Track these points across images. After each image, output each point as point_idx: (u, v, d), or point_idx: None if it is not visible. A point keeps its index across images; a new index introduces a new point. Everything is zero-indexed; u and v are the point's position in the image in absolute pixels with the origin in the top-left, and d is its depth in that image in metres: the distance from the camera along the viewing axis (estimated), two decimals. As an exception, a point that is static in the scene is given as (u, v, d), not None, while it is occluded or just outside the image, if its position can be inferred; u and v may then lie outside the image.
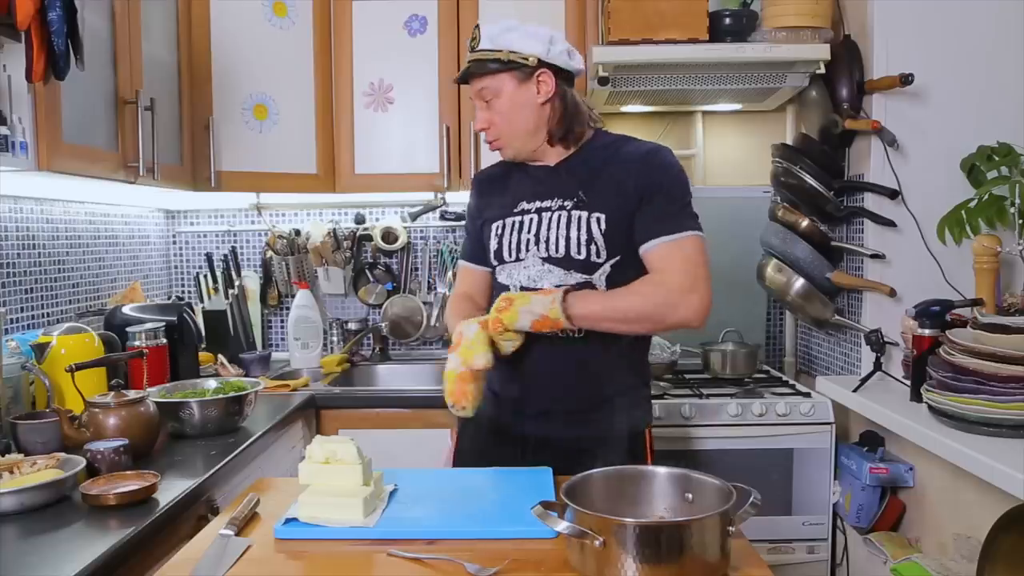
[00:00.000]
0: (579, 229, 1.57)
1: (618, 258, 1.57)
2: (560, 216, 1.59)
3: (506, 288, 1.64)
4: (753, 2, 2.51)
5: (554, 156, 1.65)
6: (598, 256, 1.57)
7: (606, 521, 1.02)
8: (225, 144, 2.45)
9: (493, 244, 1.67)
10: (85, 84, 1.75)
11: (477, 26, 1.64)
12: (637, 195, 1.56)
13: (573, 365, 1.58)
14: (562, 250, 1.58)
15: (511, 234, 1.64)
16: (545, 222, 1.60)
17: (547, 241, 1.59)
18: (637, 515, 1.17)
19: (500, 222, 1.67)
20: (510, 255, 1.64)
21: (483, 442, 1.67)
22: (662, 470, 1.22)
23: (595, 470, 1.21)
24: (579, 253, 1.57)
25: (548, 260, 1.59)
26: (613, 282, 1.57)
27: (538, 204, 1.63)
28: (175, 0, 2.30)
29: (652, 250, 1.54)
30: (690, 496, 1.16)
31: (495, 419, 1.65)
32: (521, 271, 1.62)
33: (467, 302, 1.72)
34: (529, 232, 1.61)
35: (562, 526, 1.05)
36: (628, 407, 1.63)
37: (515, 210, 1.65)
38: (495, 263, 1.67)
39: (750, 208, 2.82)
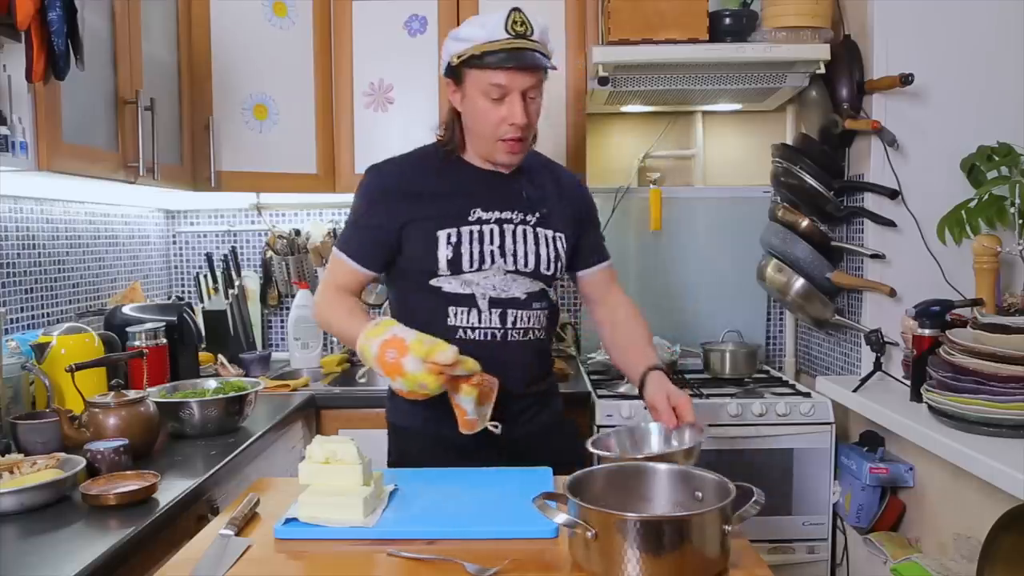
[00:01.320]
0: (548, 247, 1.65)
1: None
2: (525, 231, 1.64)
3: (461, 296, 1.60)
4: (753, 2, 2.51)
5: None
6: (559, 273, 1.69)
7: (608, 516, 1.03)
8: (225, 144, 2.45)
9: (445, 253, 1.59)
10: (85, 84, 1.75)
11: (518, 9, 1.54)
12: (577, 224, 1.73)
13: (501, 365, 1.55)
14: (531, 265, 1.63)
15: (470, 244, 1.60)
16: (509, 235, 1.62)
17: (514, 255, 1.62)
18: (645, 511, 1.18)
19: (451, 230, 1.59)
20: (471, 265, 1.60)
21: (419, 449, 1.66)
22: (663, 468, 1.23)
23: (597, 467, 1.22)
24: (548, 270, 1.65)
25: (513, 272, 1.62)
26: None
27: (497, 215, 1.62)
28: (175, 0, 2.30)
29: (595, 275, 1.79)
30: (700, 494, 1.16)
31: (429, 425, 1.64)
32: (482, 281, 1.61)
33: (348, 297, 1.65)
34: (492, 244, 1.61)
35: (560, 518, 1.06)
36: (554, 393, 1.77)
37: (470, 218, 1.61)
38: (445, 273, 1.59)
39: (750, 208, 2.82)
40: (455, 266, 1.59)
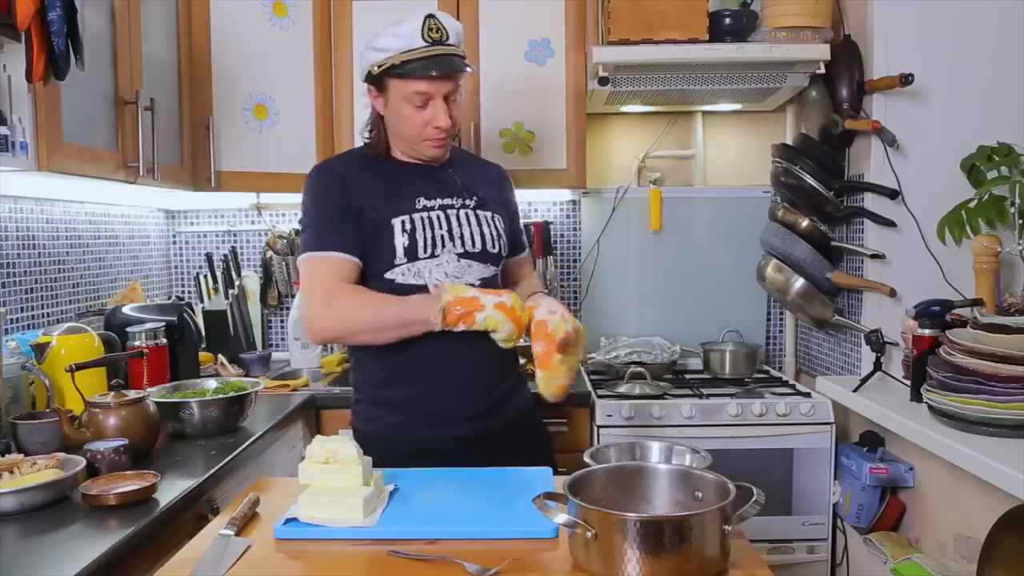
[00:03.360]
0: (489, 226, 1.71)
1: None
2: (468, 214, 1.69)
3: (414, 289, 1.61)
4: (753, 2, 2.51)
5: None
6: (503, 251, 1.73)
7: (608, 516, 1.03)
8: (225, 144, 2.45)
9: (402, 240, 1.61)
10: (85, 84, 1.75)
11: (433, 16, 1.60)
12: (508, 212, 1.80)
13: (460, 357, 1.63)
14: (479, 245, 1.67)
15: (424, 230, 1.63)
16: (454, 219, 1.67)
17: (461, 237, 1.66)
18: (645, 511, 1.18)
19: (405, 217, 1.63)
20: (425, 251, 1.62)
21: (389, 457, 1.48)
22: (663, 468, 1.23)
23: (597, 467, 1.22)
24: (494, 248, 1.70)
25: (464, 255, 1.65)
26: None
27: (439, 202, 1.67)
28: (175, 0, 2.30)
29: (518, 261, 1.86)
30: (700, 494, 1.16)
31: (396, 432, 1.65)
32: (436, 269, 1.63)
33: (358, 287, 1.60)
34: (441, 228, 1.64)
35: (560, 518, 1.06)
36: (522, 387, 1.78)
37: (417, 206, 1.65)
38: (402, 262, 1.61)
39: (750, 208, 2.82)
40: (411, 253, 1.62)
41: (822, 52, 2.30)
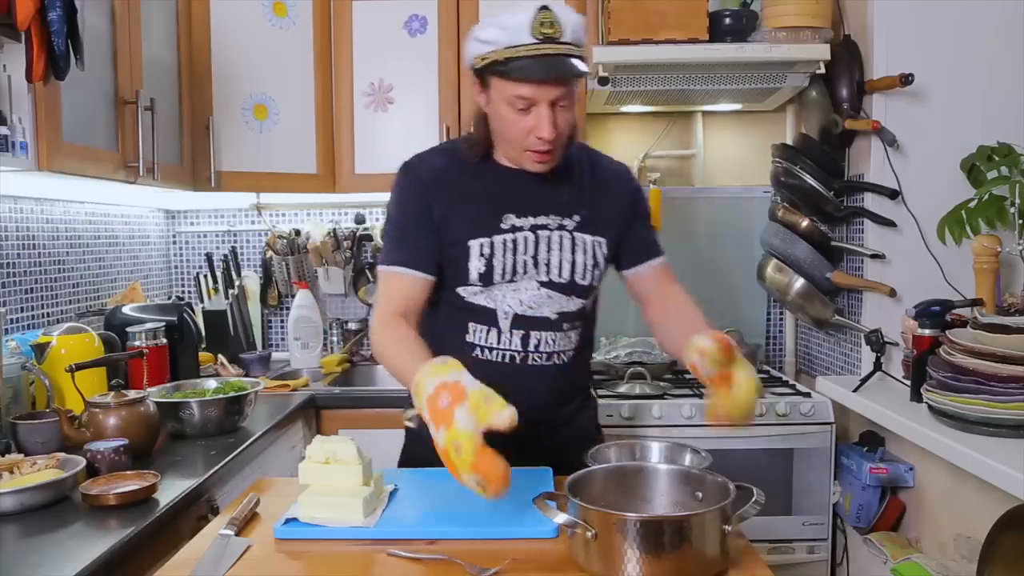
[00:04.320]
0: (585, 254, 1.50)
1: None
2: (562, 237, 1.49)
3: (483, 311, 1.47)
4: (753, 2, 2.51)
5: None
6: (596, 281, 1.54)
7: (608, 516, 1.03)
8: (225, 144, 2.45)
9: (477, 265, 1.46)
10: (85, 84, 1.75)
11: (547, 7, 1.35)
12: (628, 221, 1.56)
13: (518, 390, 1.34)
14: (566, 275, 1.49)
15: (504, 255, 1.47)
16: (544, 243, 1.48)
17: (548, 264, 1.48)
18: (645, 511, 1.18)
19: (485, 240, 1.47)
20: (503, 277, 1.47)
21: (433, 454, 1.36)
22: (663, 468, 1.23)
23: (597, 467, 1.22)
24: (584, 279, 1.51)
25: (547, 285, 1.48)
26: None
27: (532, 220, 1.48)
28: (175, 0, 2.30)
29: (645, 273, 1.59)
30: (700, 495, 1.17)
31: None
32: (512, 295, 1.48)
33: (403, 325, 1.42)
34: (526, 253, 1.47)
35: (560, 518, 1.06)
36: (581, 412, 1.64)
37: (503, 226, 1.47)
38: (476, 284, 1.47)
39: (750, 208, 2.83)
40: (487, 279, 1.47)
41: (822, 52, 2.30)
